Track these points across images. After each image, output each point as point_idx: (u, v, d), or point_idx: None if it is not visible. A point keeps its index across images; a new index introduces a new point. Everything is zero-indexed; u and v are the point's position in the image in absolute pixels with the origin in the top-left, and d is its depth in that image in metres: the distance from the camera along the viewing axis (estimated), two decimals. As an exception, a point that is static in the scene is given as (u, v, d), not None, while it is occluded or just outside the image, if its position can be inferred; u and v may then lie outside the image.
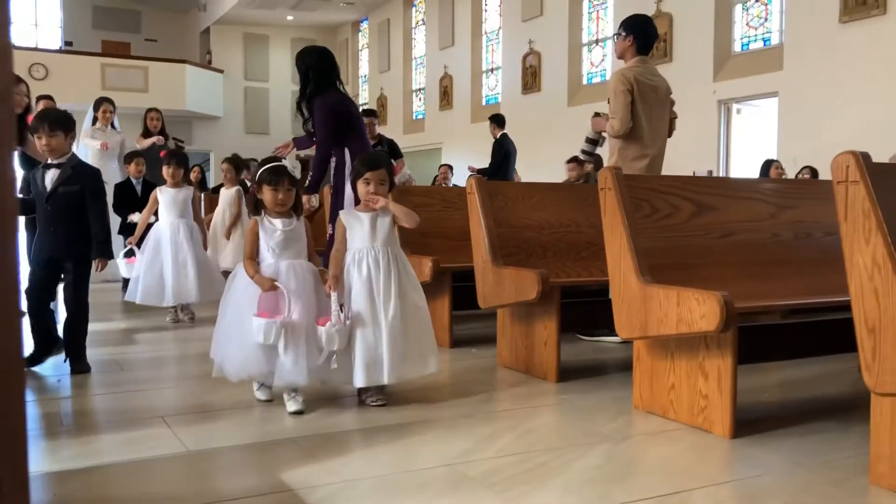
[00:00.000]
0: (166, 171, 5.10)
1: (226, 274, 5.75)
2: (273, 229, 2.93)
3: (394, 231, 3.02)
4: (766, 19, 10.19)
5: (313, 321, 2.87)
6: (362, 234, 2.96)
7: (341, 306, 2.87)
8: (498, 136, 9.60)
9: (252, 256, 2.93)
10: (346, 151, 4.55)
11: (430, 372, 3.04)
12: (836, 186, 2.14)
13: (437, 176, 12.00)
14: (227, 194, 6.27)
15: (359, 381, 2.92)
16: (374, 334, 2.89)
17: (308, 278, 2.94)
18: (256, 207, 2.99)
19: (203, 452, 2.46)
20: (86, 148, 7.36)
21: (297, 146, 5.02)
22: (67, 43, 19.87)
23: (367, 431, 2.69)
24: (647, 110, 4.29)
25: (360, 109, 5.36)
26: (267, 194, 2.94)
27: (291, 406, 2.88)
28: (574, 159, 9.25)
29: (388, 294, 2.91)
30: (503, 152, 9.46)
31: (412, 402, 3.08)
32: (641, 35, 4.43)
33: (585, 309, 4.00)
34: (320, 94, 4.49)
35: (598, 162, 8.85)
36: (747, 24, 10.42)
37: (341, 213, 3.04)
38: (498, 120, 9.82)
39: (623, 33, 4.44)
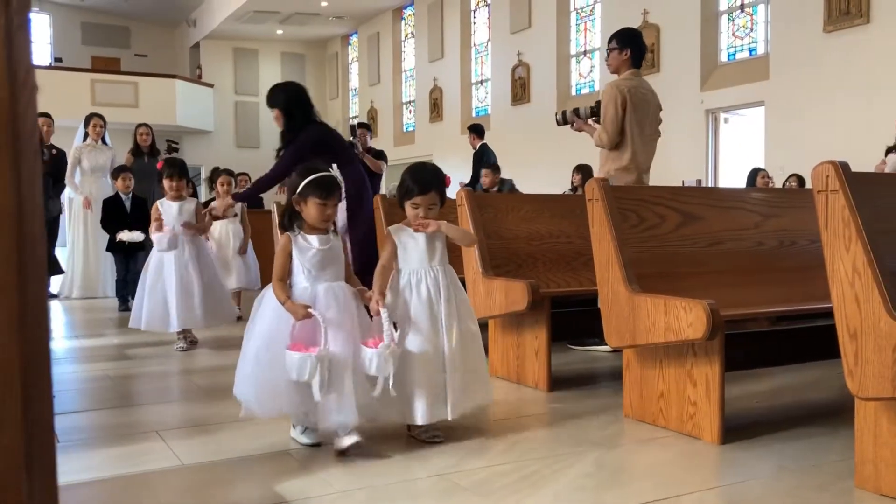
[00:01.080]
0: (168, 184, 4.58)
1: (236, 296, 5.65)
2: (308, 248, 2.59)
3: (447, 250, 2.77)
4: (751, 29, 10.31)
5: (357, 351, 2.53)
6: (418, 253, 2.67)
7: (395, 325, 2.57)
8: (478, 147, 9.62)
9: (283, 279, 2.58)
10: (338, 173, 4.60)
11: (487, 403, 2.82)
12: (817, 195, 2.19)
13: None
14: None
15: (420, 416, 2.59)
16: (436, 364, 2.60)
17: (350, 303, 2.60)
18: (290, 222, 2.64)
19: (198, 466, 2.48)
20: (72, 188, 7.45)
21: (238, 199, 5.20)
22: (57, 59, 19.89)
23: (360, 443, 2.71)
24: (638, 123, 4.35)
25: (353, 123, 5.52)
26: (313, 209, 2.58)
27: (346, 441, 2.50)
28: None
29: (451, 319, 2.63)
30: (483, 162, 9.50)
31: (405, 413, 3.11)
32: (637, 48, 4.49)
33: (575, 318, 4.04)
34: (304, 129, 4.51)
35: (587, 173, 8.91)
36: (733, 34, 10.53)
37: (391, 229, 2.73)
38: (477, 130, 9.83)
39: (618, 47, 4.47)
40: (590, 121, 4.62)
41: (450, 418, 2.61)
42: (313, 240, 2.61)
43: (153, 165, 7.50)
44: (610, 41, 4.56)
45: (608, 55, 4.57)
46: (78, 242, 7.57)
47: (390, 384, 2.49)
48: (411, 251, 2.68)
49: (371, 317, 2.63)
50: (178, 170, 4.69)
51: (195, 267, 4.48)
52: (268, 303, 2.62)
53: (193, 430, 2.89)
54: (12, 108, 0.43)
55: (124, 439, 2.78)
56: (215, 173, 5.98)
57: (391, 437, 2.75)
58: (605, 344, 4.27)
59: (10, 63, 0.43)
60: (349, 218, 4.65)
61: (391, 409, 2.60)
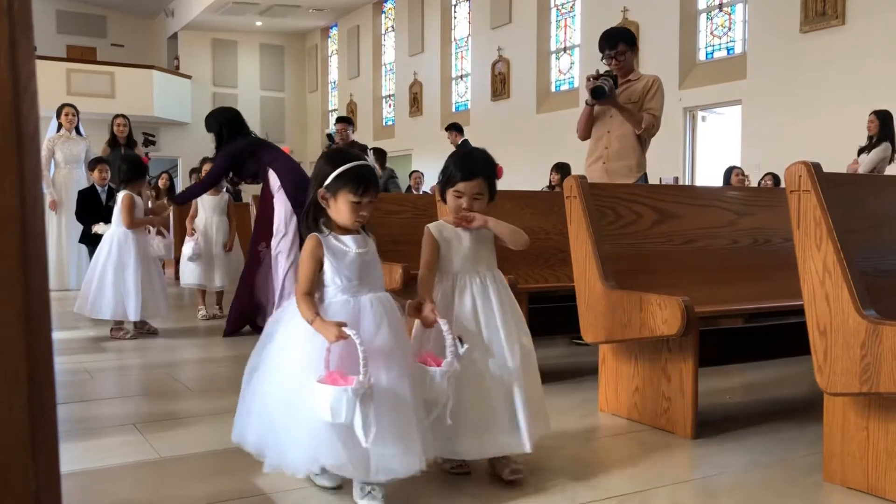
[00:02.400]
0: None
1: (217, 295, 5.66)
2: (344, 251, 2.08)
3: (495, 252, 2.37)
4: (729, 29, 10.41)
5: (410, 376, 2.06)
6: (462, 255, 2.27)
7: (460, 339, 2.13)
8: (459, 143, 9.65)
9: (311, 291, 2.07)
10: (271, 172, 4.83)
11: (548, 432, 2.35)
12: (790, 195, 2.24)
13: (409, 184, 12.10)
14: (213, 200, 5.72)
15: (472, 450, 2.20)
16: (492, 387, 2.19)
17: (400, 318, 2.13)
18: (316, 221, 2.13)
19: (176, 458, 2.48)
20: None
21: (177, 201, 5.49)
22: (32, 47, 19.59)
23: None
24: None
25: (336, 118, 5.75)
26: (344, 205, 2.07)
27: (366, 502, 2.05)
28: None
29: (510, 333, 2.22)
30: None
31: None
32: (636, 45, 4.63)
33: (554, 314, 4.07)
34: (228, 143, 4.97)
35: (565, 171, 8.97)
36: (711, 33, 10.63)
37: (431, 227, 2.32)
38: (457, 127, 9.88)
39: (628, 49, 4.48)
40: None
41: (528, 450, 2.17)
42: (349, 241, 2.10)
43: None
44: (616, 44, 4.44)
45: (620, 59, 4.44)
46: (51, 234, 7.50)
47: (448, 411, 2.07)
48: (455, 252, 2.27)
49: (430, 325, 2.17)
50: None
51: (138, 260, 4.68)
52: (296, 326, 2.04)
53: (172, 423, 2.89)
54: (16, 110, 0.45)
55: (101, 432, 2.77)
56: (202, 162, 6.01)
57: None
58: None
59: (13, 67, 0.45)
60: (259, 211, 5.06)
61: (450, 443, 2.15)
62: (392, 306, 2.12)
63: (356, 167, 2.09)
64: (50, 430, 0.54)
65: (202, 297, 5.81)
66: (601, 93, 4.34)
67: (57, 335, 4.89)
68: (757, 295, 3.06)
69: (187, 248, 5.62)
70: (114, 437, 2.69)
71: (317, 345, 1.96)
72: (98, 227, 6.10)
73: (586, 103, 4.54)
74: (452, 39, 15.70)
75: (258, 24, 19.51)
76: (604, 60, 4.53)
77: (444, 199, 2.37)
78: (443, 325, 2.08)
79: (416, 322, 2.22)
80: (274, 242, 4.78)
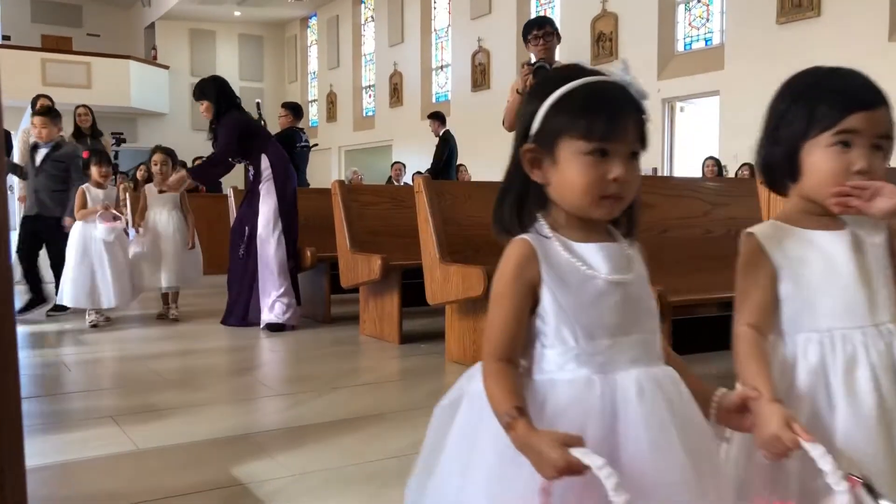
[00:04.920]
0: (96, 171, 4.91)
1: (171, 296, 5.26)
2: (584, 276, 1.09)
3: None
4: (707, 20, 10.47)
5: None
6: (841, 288, 1.22)
7: (868, 487, 1.02)
8: (441, 133, 9.63)
9: (512, 357, 1.09)
10: (264, 158, 4.84)
11: None
12: (759, 186, 2.27)
13: (391, 175, 12.10)
14: (164, 195, 5.17)
15: None
16: None
17: (700, 423, 1.11)
18: (521, 210, 1.15)
19: (153, 450, 2.48)
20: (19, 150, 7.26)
21: (193, 177, 5.23)
22: (5, 37, 19.31)
23: (317, 426, 2.74)
24: None
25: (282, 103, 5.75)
26: (577, 167, 1.07)
27: None
28: None
29: None
30: (448, 150, 9.50)
31: (362, 396, 3.14)
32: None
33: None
34: (226, 114, 4.87)
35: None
36: (690, 24, 10.69)
37: (762, 230, 1.28)
38: (440, 117, 9.84)
39: (555, 31, 4.33)
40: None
41: None
42: (593, 254, 1.11)
43: (95, 147, 7.37)
44: (543, 25, 4.34)
45: (544, 39, 4.27)
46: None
47: None
48: (821, 282, 1.22)
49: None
50: (106, 158, 5.07)
51: (121, 252, 4.87)
52: (483, 424, 1.08)
53: (149, 416, 2.88)
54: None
55: (79, 424, 2.76)
56: (153, 152, 5.37)
57: (348, 420, 2.78)
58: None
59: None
60: (245, 201, 4.94)
61: None
62: (683, 396, 1.10)
63: (591, 86, 1.08)
64: (13, 417, 0.54)
65: (164, 297, 5.25)
66: (544, 71, 4.21)
67: (33, 328, 4.85)
68: (731, 284, 3.10)
69: (135, 245, 5.08)
70: (91, 430, 2.69)
71: (521, 474, 0.99)
72: (66, 221, 6.06)
73: (517, 92, 4.31)
74: (432, 30, 15.67)
75: (237, 13, 19.35)
76: (529, 45, 4.33)
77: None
78: (814, 451, 1.02)
79: (740, 439, 1.22)
80: (261, 230, 4.78)
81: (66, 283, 4.79)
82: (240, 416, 2.87)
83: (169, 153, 5.32)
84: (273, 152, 4.90)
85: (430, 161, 9.64)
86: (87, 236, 4.81)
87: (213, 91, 4.87)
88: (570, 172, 1.07)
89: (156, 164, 5.24)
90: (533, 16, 13.24)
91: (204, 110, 4.91)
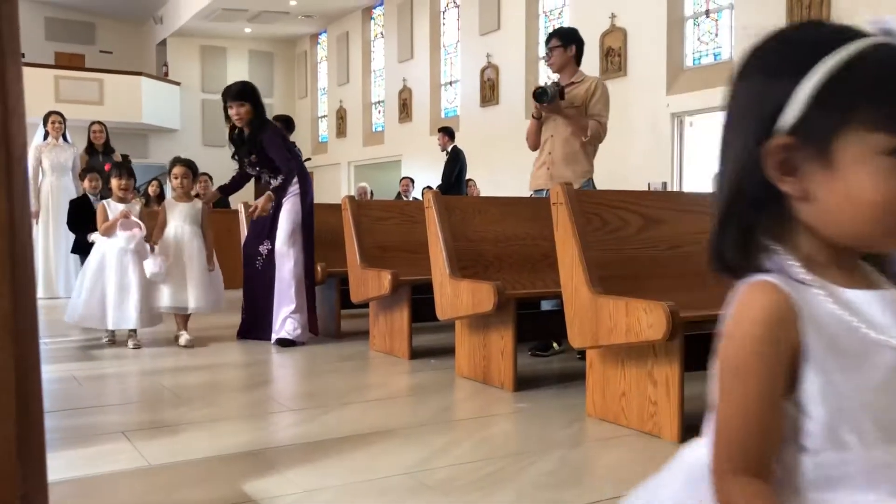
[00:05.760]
0: (117, 184, 4.76)
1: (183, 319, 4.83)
2: (867, 343, 0.74)
3: None
4: (716, 35, 10.49)
5: None
6: None
7: None
8: (449, 149, 9.65)
9: (758, 468, 0.74)
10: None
11: None
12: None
13: (399, 191, 12.14)
14: (185, 207, 4.84)
15: None
16: None
17: None
18: (749, 238, 0.80)
19: (164, 466, 2.48)
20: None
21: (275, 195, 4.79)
22: (20, 54, 19.56)
23: (327, 442, 2.74)
24: None
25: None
26: (873, 173, 0.72)
27: None
28: None
29: None
30: (458, 165, 9.53)
31: (372, 412, 3.14)
32: (580, 46, 4.47)
33: (541, 319, 4.10)
34: (263, 125, 4.84)
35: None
36: (698, 39, 10.71)
37: None
38: (449, 132, 9.88)
39: (562, 44, 4.42)
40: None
41: None
42: (870, 307, 0.76)
43: (107, 163, 7.45)
44: (550, 39, 4.50)
45: (550, 54, 4.48)
46: (39, 242, 7.48)
47: None
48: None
49: None
50: (127, 170, 4.85)
51: (135, 269, 4.58)
52: None
53: (160, 431, 2.89)
54: (5, 132, 0.47)
55: (90, 440, 2.77)
56: (172, 164, 5.00)
57: (358, 436, 2.78)
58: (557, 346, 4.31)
59: (3, 91, 0.46)
60: (303, 219, 4.85)
61: None
62: None
63: (888, 49, 0.74)
64: (37, 437, 0.56)
65: (181, 321, 4.80)
66: (542, 94, 4.35)
67: (46, 343, 4.88)
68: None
69: (151, 264, 4.57)
70: (102, 445, 2.69)
71: None
72: (94, 236, 5.95)
73: (533, 117, 4.51)
74: (441, 46, 15.74)
75: (247, 30, 19.50)
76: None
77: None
78: None
79: None
80: (280, 245, 4.75)
81: (78, 301, 4.61)
82: (250, 431, 2.87)
83: (190, 165, 4.96)
84: (301, 167, 4.90)
85: (439, 176, 9.67)
86: (106, 252, 4.63)
87: (256, 96, 4.78)
88: (859, 181, 0.72)
89: (176, 178, 4.88)
90: (542, 32, 13.29)
91: (244, 113, 4.69)
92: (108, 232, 4.64)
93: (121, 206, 4.72)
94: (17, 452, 0.54)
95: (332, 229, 5.00)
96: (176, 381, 3.80)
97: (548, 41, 4.53)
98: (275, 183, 4.81)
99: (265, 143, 4.73)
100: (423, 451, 2.61)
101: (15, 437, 0.53)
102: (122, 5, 19.73)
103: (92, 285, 4.58)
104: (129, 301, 4.55)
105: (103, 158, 7.52)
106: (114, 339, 4.78)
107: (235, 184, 5.21)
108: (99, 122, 7.81)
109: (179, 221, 4.77)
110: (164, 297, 4.68)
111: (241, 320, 5.00)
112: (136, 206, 4.86)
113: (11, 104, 0.50)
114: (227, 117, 4.85)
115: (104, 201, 4.82)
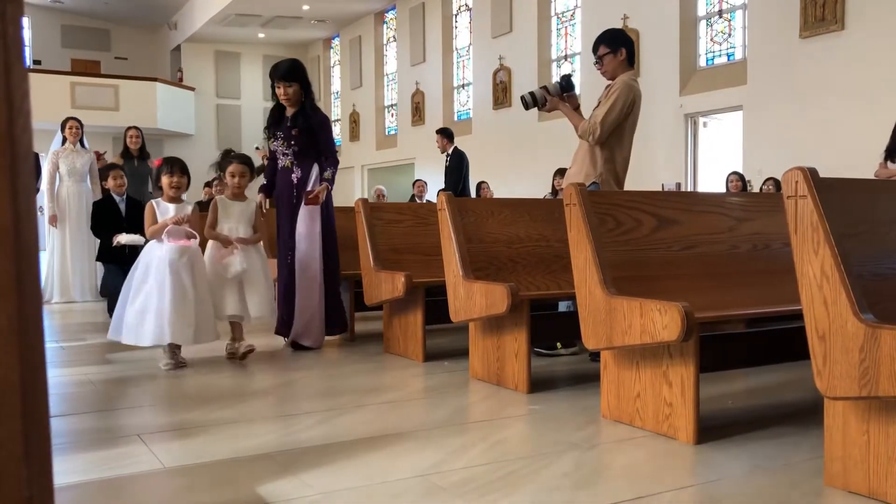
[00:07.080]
0: (167, 182, 4.11)
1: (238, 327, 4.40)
2: None
3: None
4: (729, 35, 10.43)
5: None
6: None
7: None
8: (450, 151, 9.61)
9: None
10: (314, 165, 4.68)
11: None
12: (787, 201, 2.25)
13: (413, 193, 12.15)
14: (240, 207, 4.44)
15: None
16: None
17: None
18: None
19: (179, 469, 2.49)
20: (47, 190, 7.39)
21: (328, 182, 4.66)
22: (36, 62, 19.75)
23: (341, 445, 2.74)
24: (632, 127, 4.26)
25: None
26: None
27: None
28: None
29: None
30: (464, 167, 9.52)
31: (387, 414, 3.14)
32: (630, 47, 4.30)
33: (555, 321, 4.09)
34: (314, 107, 4.74)
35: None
36: (711, 39, 10.66)
37: None
38: (448, 133, 9.83)
39: (611, 50, 4.24)
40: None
41: None
42: None
43: (142, 168, 7.49)
44: (598, 46, 4.28)
45: (601, 61, 4.28)
46: (55, 247, 7.53)
47: None
48: None
49: None
50: (180, 166, 4.17)
51: (190, 277, 3.96)
52: None
53: (175, 434, 2.90)
54: (10, 132, 0.47)
55: (106, 443, 2.78)
56: (228, 160, 4.52)
57: (372, 438, 2.78)
58: (566, 347, 4.29)
59: (7, 91, 0.47)
60: (324, 222, 4.72)
61: None
62: None
63: None
64: (43, 437, 0.56)
65: (238, 330, 4.37)
66: (525, 104, 4.42)
67: (63, 347, 4.91)
68: (757, 300, 3.07)
69: (237, 262, 4.21)
70: (118, 448, 2.71)
71: None
72: (122, 238, 5.55)
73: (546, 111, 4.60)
74: (454, 49, 15.75)
75: (261, 35, 19.60)
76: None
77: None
78: None
79: None
80: (304, 246, 4.60)
81: (121, 315, 3.99)
82: (265, 434, 2.88)
83: (247, 163, 4.50)
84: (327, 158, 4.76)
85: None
86: (152, 261, 3.98)
87: (304, 75, 4.63)
88: None
89: (233, 176, 4.39)
90: (553, 34, 13.28)
91: (292, 93, 4.53)
92: (155, 235, 4.01)
93: (171, 208, 4.08)
94: (23, 453, 0.54)
95: (346, 232, 5.01)
96: (192, 384, 3.81)
97: (595, 49, 4.30)
98: (297, 173, 4.61)
99: (322, 125, 4.66)
100: (438, 453, 2.60)
101: (21, 438, 0.54)
102: (136, 12, 19.89)
103: (137, 298, 3.95)
104: (184, 315, 3.93)
105: (138, 163, 7.58)
106: (173, 363, 4.12)
107: (272, 180, 4.80)
108: (135, 128, 7.88)
109: (234, 222, 4.37)
110: (228, 306, 4.23)
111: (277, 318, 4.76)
112: (189, 206, 4.17)
113: (17, 103, 0.50)
114: (274, 95, 4.67)
115: (153, 201, 4.16)
